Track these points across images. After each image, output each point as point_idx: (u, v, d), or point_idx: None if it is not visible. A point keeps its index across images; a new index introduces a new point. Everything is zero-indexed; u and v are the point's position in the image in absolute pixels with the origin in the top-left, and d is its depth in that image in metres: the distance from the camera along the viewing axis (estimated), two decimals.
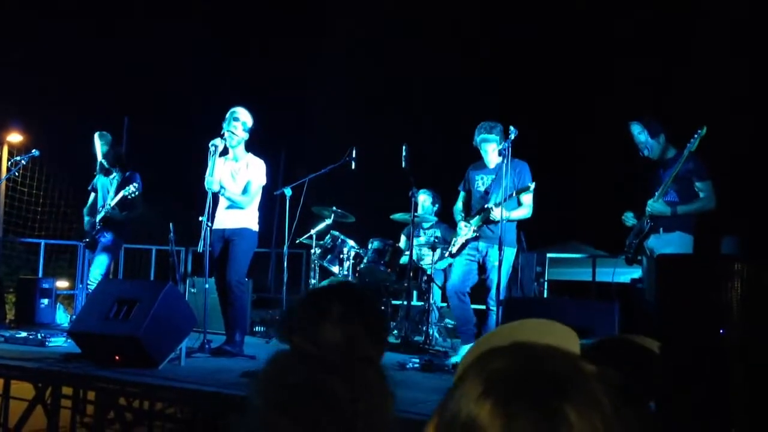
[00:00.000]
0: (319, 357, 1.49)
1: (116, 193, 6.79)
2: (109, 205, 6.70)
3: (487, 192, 5.92)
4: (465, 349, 5.57)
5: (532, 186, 5.73)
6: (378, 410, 1.45)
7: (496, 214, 5.71)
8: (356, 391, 1.42)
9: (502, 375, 0.87)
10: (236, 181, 6.01)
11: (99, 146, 7.06)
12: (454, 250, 6.10)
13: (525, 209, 5.88)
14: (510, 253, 5.89)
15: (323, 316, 1.59)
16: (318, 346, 1.52)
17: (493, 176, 5.87)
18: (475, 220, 5.91)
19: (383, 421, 1.45)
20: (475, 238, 5.91)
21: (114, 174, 6.99)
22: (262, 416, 1.45)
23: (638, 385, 1.46)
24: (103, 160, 7.05)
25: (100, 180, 7.14)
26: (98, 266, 6.84)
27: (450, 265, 7.69)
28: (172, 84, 15.94)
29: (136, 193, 6.64)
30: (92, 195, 7.25)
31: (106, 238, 6.87)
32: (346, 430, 1.40)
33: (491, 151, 5.94)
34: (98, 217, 6.82)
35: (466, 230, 5.98)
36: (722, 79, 11.59)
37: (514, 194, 5.67)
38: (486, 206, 5.82)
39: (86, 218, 7.13)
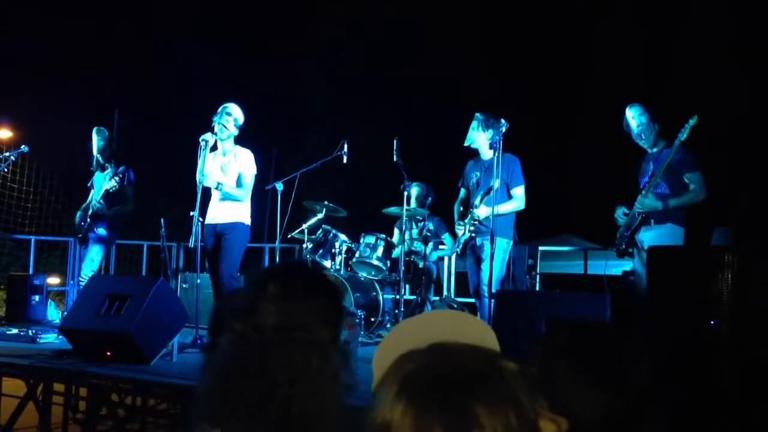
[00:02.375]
0: (256, 339, 1.44)
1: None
2: (96, 200, 6.67)
3: (477, 185, 5.92)
4: None
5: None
6: (318, 394, 1.37)
7: (480, 213, 5.75)
8: (292, 374, 1.36)
9: (415, 376, 0.87)
10: (227, 174, 6.01)
11: (95, 141, 7.02)
12: (458, 251, 6.15)
13: (516, 202, 5.86)
14: (505, 243, 5.85)
15: (261, 296, 1.55)
16: (255, 328, 1.46)
17: (485, 170, 5.86)
18: (468, 220, 5.92)
19: (323, 406, 1.38)
20: (471, 237, 5.93)
21: (109, 169, 6.97)
22: (207, 403, 1.42)
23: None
24: (98, 155, 7.02)
25: (96, 176, 7.12)
26: (90, 262, 6.82)
27: (440, 258, 7.75)
28: (163, 78, 15.88)
29: (117, 186, 6.59)
30: (92, 192, 7.21)
31: (98, 233, 6.84)
32: (280, 414, 1.34)
33: (482, 143, 5.92)
34: (89, 212, 6.80)
35: (462, 231, 6.00)
36: (713, 69, 11.62)
37: (495, 185, 5.63)
38: (470, 208, 5.83)
39: (78, 214, 7.10)
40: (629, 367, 1.47)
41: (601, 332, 1.57)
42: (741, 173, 10.51)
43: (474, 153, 6.11)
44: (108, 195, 6.69)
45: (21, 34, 15.34)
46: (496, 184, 5.61)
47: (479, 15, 15.25)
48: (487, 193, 5.68)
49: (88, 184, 7.26)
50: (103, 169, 7.04)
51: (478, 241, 5.89)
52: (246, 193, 6.03)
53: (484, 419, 0.81)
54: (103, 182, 6.89)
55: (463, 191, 6.27)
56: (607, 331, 1.59)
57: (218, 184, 5.87)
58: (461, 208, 6.24)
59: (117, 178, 6.61)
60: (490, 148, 5.82)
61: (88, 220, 6.82)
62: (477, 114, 5.91)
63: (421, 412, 0.83)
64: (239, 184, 6.00)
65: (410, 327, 1.04)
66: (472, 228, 5.88)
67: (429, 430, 0.81)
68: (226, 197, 5.98)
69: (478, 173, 6.01)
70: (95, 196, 6.81)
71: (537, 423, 0.86)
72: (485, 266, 5.71)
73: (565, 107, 14.46)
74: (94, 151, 7.04)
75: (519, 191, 5.87)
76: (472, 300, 6.41)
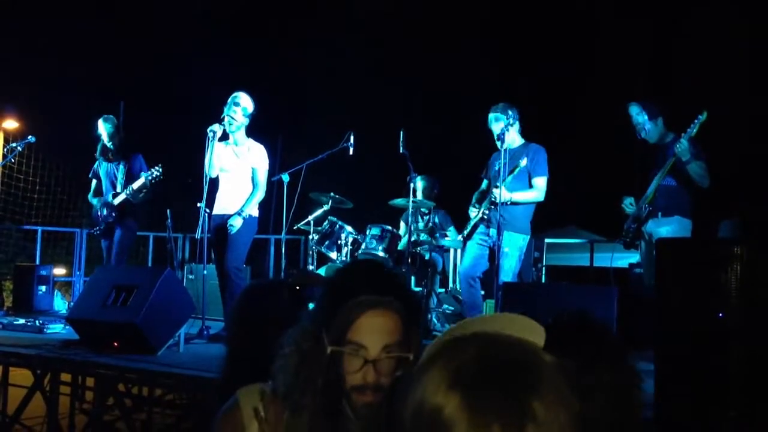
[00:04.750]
0: None
1: (126, 177, 6.83)
2: (131, 189, 6.66)
3: (499, 173, 5.79)
4: None
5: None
6: None
7: (496, 193, 5.58)
8: None
9: (469, 367, 0.86)
10: (240, 158, 6.00)
11: (104, 130, 6.99)
12: (466, 232, 6.08)
13: (535, 192, 5.76)
14: (521, 239, 5.78)
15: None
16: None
17: (507, 160, 5.73)
18: (485, 203, 5.87)
19: None
20: (485, 222, 5.86)
21: (119, 158, 6.99)
22: None
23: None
24: (109, 143, 7.00)
25: (103, 166, 7.11)
26: (122, 252, 6.87)
27: (445, 250, 7.72)
28: (169, 68, 15.86)
29: (161, 177, 6.63)
30: (94, 181, 7.21)
31: (127, 223, 6.90)
32: None
33: (514, 137, 5.86)
34: (116, 201, 6.80)
35: (475, 213, 5.96)
36: (722, 63, 11.56)
37: (515, 170, 5.59)
38: (495, 185, 5.68)
39: (96, 206, 7.08)
40: (604, 368, 1.45)
41: (580, 330, 1.55)
42: (747, 165, 10.46)
43: (493, 145, 6.06)
44: (129, 185, 6.74)
45: (26, 24, 15.35)
46: (523, 162, 5.61)
47: (484, 5, 15.20)
48: (512, 171, 5.61)
49: (90, 175, 7.25)
50: (108, 159, 7.03)
51: (493, 232, 5.73)
52: (263, 192, 6.08)
53: (541, 413, 0.81)
54: (116, 171, 6.89)
55: (485, 182, 6.21)
56: (586, 330, 1.56)
57: (241, 211, 5.89)
58: (479, 196, 6.19)
59: (155, 170, 6.58)
60: (498, 139, 5.80)
61: (114, 212, 6.83)
62: (509, 111, 5.83)
63: (479, 405, 0.82)
64: (255, 183, 6.02)
65: (468, 325, 1.03)
66: (487, 213, 5.82)
67: (486, 423, 0.81)
68: (234, 183, 5.98)
69: (500, 161, 5.94)
70: (124, 186, 6.82)
71: (580, 418, 0.86)
72: (501, 262, 5.57)
73: (572, 98, 14.41)
74: (104, 139, 7.03)
75: (541, 182, 5.77)
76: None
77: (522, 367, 0.85)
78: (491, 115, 5.87)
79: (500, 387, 0.83)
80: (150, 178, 6.59)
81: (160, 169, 6.62)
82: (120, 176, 6.91)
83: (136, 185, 6.64)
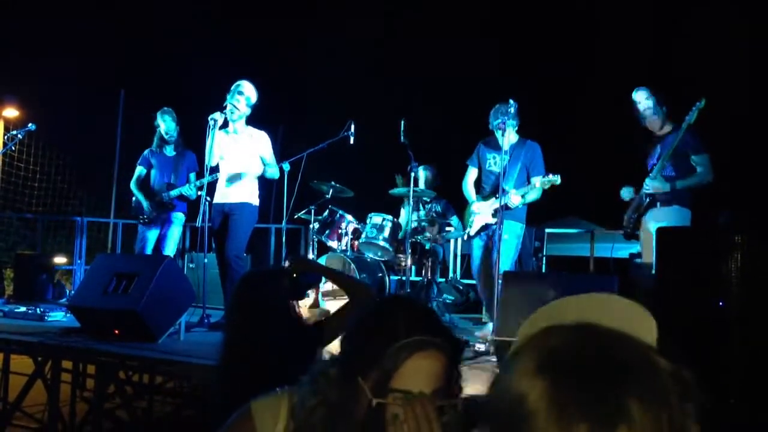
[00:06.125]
0: None
1: (179, 171, 6.93)
2: (195, 185, 6.63)
3: (505, 171, 5.80)
4: (490, 326, 5.60)
5: (554, 180, 5.71)
6: None
7: (513, 201, 5.72)
8: None
9: (561, 354, 0.78)
10: (240, 147, 6.00)
11: (165, 122, 7.00)
12: (472, 232, 6.11)
13: (535, 192, 5.88)
14: (519, 227, 5.92)
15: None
16: None
17: (508, 157, 5.72)
18: (491, 202, 5.90)
19: None
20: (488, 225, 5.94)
21: (175, 152, 7.03)
22: None
23: None
24: (167, 136, 7.00)
25: (156, 157, 7.08)
26: (172, 241, 6.93)
27: (447, 240, 7.72)
28: (169, 56, 15.80)
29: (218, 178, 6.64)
30: (140, 170, 7.13)
31: (178, 215, 6.96)
32: None
33: (507, 135, 5.89)
34: (173, 193, 6.79)
35: (481, 211, 5.98)
36: (719, 53, 11.54)
37: (535, 184, 5.73)
38: (504, 188, 5.69)
39: (138, 194, 7.02)
40: None
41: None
42: (746, 156, 10.46)
43: (487, 134, 6.10)
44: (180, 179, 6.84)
45: (26, 13, 15.29)
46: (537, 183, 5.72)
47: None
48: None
49: (140, 163, 7.15)
50: (162, 152, 7.05)
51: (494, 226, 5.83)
52: (276, 170, 6.15)
53: (636, 414, 0.73)
54: (172, 164, 6.91)
55: (472, 169, 6.23)
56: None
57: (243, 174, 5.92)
58: (471, 187, 6.22)
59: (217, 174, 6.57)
60: (498, 128, 5.84)
61: (168, 205, 6.85)
62: (510, 110, 5.85)
63: (566, 396, 0.74)
64: (266, 163, 6.08)
65: (567, 305, 0.93)
66: (494, 213, 5.84)
67: (571, 417, 0.73)
68: (235, 177, 5.98)
69: (496, 156, 5.96)
70: (174, 179, 6.88)
71: (686, 429, 0.77)
72: (502, 247, 5.62)
73: (572, 88, 14.37)
74: (162, 131, 7.02)
75: (539, 181, 5.83)
76: (474, 282, 6.42)
77: (622, 364, 0.77)
78: (493, 119, 5.92)
79: (594, 379, 0.75)
80: (213, 180, 6.53)
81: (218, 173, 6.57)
82: (174, 170, 6.94)
83: (205, 182, 6.56)
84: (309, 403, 1.41)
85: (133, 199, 7.09)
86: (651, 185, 5.26)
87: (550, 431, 0.74)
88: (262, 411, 1.50)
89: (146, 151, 7.16)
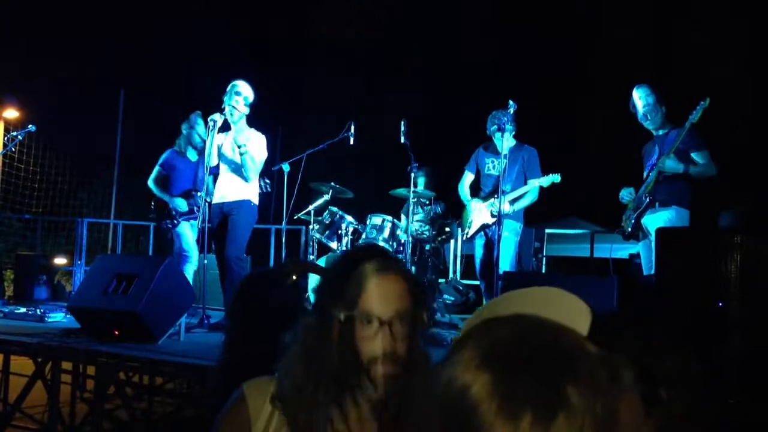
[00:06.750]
0: None
1: (196, 176, 6.72)
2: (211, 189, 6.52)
3: (504, 172, 5.84)
4: None
5: (554, 178, 5.79)
6: None
7: (505, 208, 5.77)
8: None
9: (503, 346, 0.82)
10: (239, 149, 5.97)
11: (199, 125, 6.85)
12: (469, 233, 6.15)
13: (531, 196, 6.02)
14: (518, 226, 6.00)
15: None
16: None
17: (505, 161, 5.77)
18: (490, 203, 5.95)
19: None
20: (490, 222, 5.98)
21: (196, 155, 6.89)
22: None
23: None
24: (197, 139, 6.85)
25: (180, 160, 6.95)
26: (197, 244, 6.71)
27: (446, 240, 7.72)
28: (168, 56, 15.80)
29: (268, 190, 6.54)
30: (159, 170, 6.96)
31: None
32: None
33: (505, 139, 5.92)
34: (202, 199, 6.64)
35: (479, 211, 6.02)
36: (718, 54, 11.55)
37: (533, 183, 5.88)
38: (502, 189, 5.74)
39: (177, 200, 6.81)
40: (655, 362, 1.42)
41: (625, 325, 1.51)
42: (747, 157, 10.46)
43: (484, 139, 6.17)
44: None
45: (27, 12, 15.29)
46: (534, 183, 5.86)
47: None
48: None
49: (161, 163, 6.98)
50: (184, 155, 6.95)
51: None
52: (255, 171, 5.95)
53: (575, 401, 0.77)
54: (197, 169, 6.70)
55: (468, 174, 6.30)
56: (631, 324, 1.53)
57: (240, 146, 5.78)
58: (467, 191, 6.28)
59: (265, 182, 6.44)
60: (498, 129, 5.91)
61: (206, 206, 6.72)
62: (504, 117, 5.87)
63: (508, 387, 0.78)
64: (252, 161, 5.94)
65: (510, 299, 0.98)
66: (494, 214, 5.87)
67: (516, 406, 0.77)
68: (235, 171, 5.94)
69: (494, 160, 6.05)
70: (202, 184, 6.71)
71: (617, 412, 0.82)
72: (502, 246, 5.70)
73: (572, 88, 14.38)
74: (198, 134, 6.87)
75: (537, 181, 5.97)
76: (477, 282, 6.44)
77: (561, 354, 0.81)
78: (490, 125, 5.97)
79: (535, 370, 0.79)
80: (263, 190, 6.41)
81: (269, 182, 6.48)
82: (195, 176, 6.77)
83: (213, 185, 6.35)
84: (291, 351, 1.54)
85: (152, 202, 6.93)
86: (665, 163, 5.21)
87: (495, 421, 0.77)
88: (254, 391, 1.59)
89: (169, 152, 7.01)
